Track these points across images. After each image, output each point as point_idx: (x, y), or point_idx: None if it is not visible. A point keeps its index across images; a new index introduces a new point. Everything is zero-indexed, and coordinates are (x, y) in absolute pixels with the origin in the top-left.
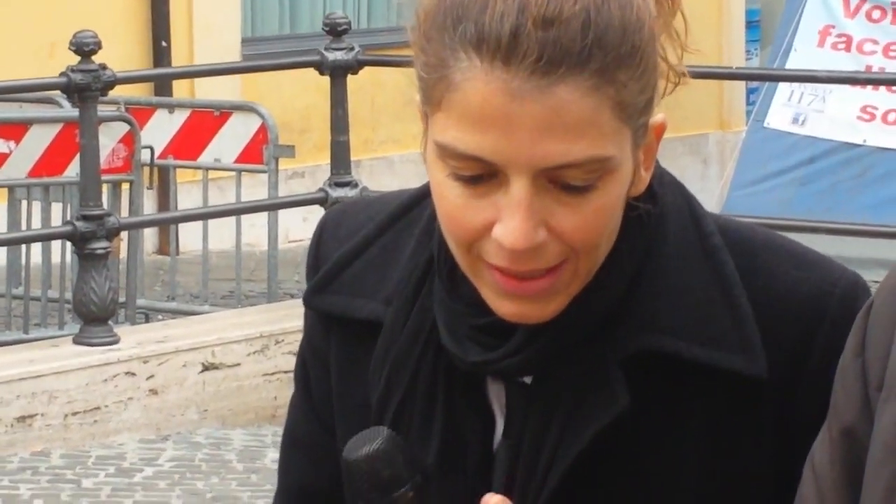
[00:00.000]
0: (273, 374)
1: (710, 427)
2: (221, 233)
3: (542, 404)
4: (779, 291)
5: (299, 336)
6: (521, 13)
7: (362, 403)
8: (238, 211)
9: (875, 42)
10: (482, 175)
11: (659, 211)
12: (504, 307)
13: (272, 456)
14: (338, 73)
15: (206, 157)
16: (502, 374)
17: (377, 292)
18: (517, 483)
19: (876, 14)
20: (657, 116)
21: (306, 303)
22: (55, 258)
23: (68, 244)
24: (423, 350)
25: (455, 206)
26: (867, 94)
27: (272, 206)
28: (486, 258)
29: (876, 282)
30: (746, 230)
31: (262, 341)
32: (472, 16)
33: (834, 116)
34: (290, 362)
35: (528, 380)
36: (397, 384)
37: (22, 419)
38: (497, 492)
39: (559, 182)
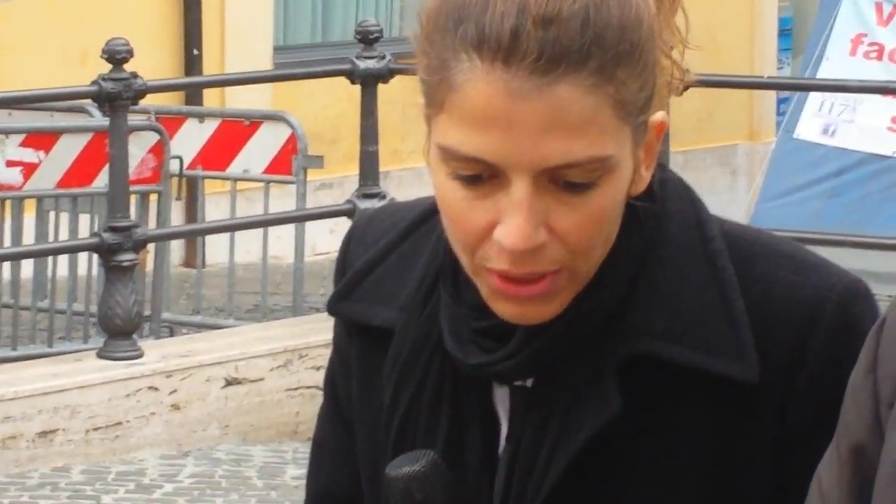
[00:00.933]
0: (296, 388)
1: (706, 430)
2: (248, 245)
3: (540, 408)
4: (775, 297)
5: (323, 351)
6: (521, 13)
7: (380, 408)
8: (265, 223)
9: None
10: (483, 175)
11: (659, 211)
12: (504, 309)
13: (292, 472)
14: (369, 82)
15: (234, 168)
16: (502, 378)
17: (394, 300)
18: (514, 486)
19: None
20: (657, 115)
21: (329, 310)
22: (81, 270)
23: (95, 256)
24: (430, 356)
25: (458, 209)
26: (893, 105)
27: (299, 218)
28: (488, 264)
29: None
30: (750, 236)
31: (286, 356)
32: (472, 17)
33: (864, 127)
34: (314, 377)
35: (529, 384)
36: (405, 389)
37: (43, 434)
38: (497, 495)
39: (560, 181)
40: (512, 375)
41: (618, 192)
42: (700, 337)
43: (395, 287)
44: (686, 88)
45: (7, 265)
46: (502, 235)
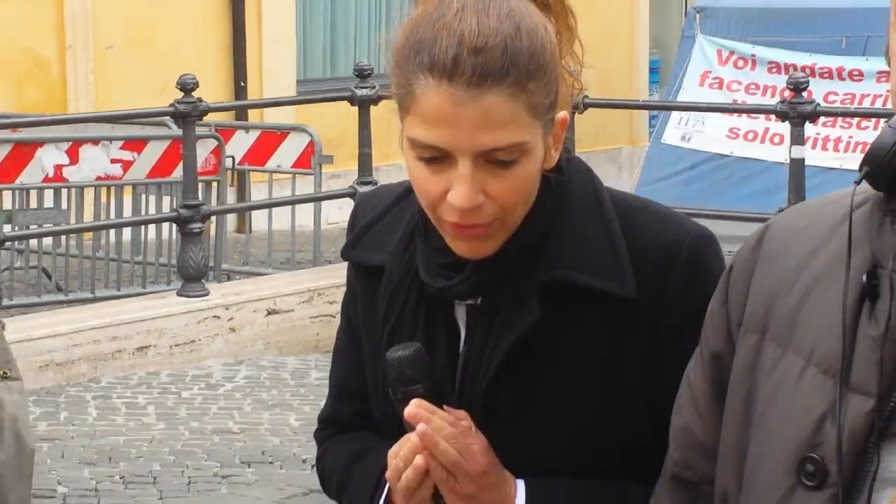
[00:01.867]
0: (316, 317)
1: (600, 336)
2: (281, 218)
3: (485, 318)
4: (647, 240)
5: (335, 290)
6: (459, 45)
7: (376, 323)
8: (293, 202)
9: (739, 83)
10: (438, 157)
11: (565, 181)
12: (459, 248)
13: (315, 375)
14: (364, 105)
15: (271, 164)
16: (459, 297)
17: (385, 248)
18: (469, 373)
19: (740, 63)
20: (561, 113)
21: (343, 255)
22: (165, 235)
23: (174, 225)
24: (410, 285)
25: (422, 181)
26: (733, 120)
27: (317, 199)
28: (444, 217)
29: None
30: (630, 199)
31: (309, 294)
32: (426, 49)
33: (710, 135)
34: (329, 308)
35: (479, 301)
36: (393, 308)
37: (140, 349)
38: (456, 382)
39: (491, 160)
40: (466, 295)
41: (534, 167)
42: (595, 268)
43: (387, 239)
44: (586, 108)
45: (113, 232)
46: (453, 198)
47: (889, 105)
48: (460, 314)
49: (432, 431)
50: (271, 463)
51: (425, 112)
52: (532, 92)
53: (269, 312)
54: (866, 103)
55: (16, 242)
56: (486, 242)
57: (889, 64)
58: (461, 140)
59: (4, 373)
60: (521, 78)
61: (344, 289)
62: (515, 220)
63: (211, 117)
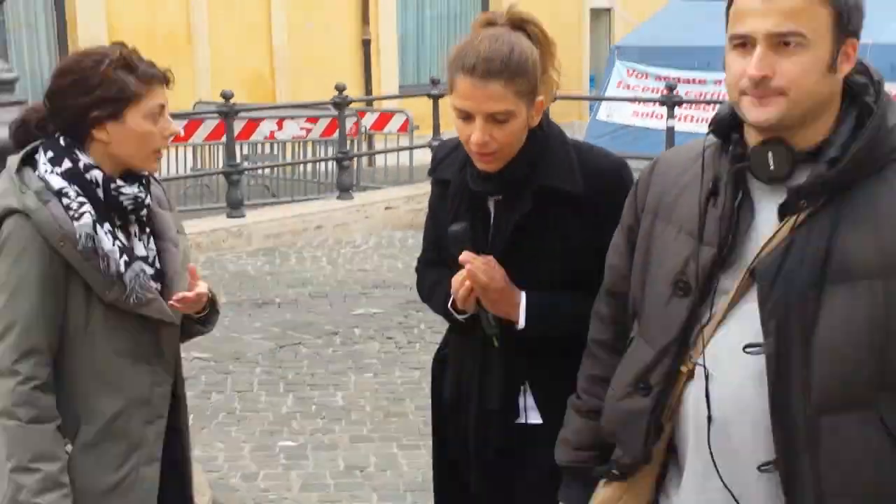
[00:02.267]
0: (411, 210)
1: (569, 220)
2: (392, 158)
3: (505, 207)
4: (591, 166)
5: (422, 196)
6: (478, 57)
7: (446, 213)
8: (398, 150)
9: (639, 87)
10: (466, 117)
11: (546, 133)
12: (480, 165)
13: (411, 241)
14: (436, 99)
15: (386, 129)
16: (489, 194)
17: (451, 169)
18: (496, 238)
19: (640, 76)
20: (539, 97)
21: (428, 174)
22: (329, 168)
23: (334, 162)
24: (463, 190)
25: (460, 129)
26: (635, 106)
27: (410, 149)
28: (471, 149)
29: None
30: (582, 144)
31: (407, 198)
32: (460, 59)
33: (623, 115)
34: (419, 206)
35: (501, 197)
36: (454, 203)
37: (317, 227)
38: (489, 242)
39: (493, 119)
40: (493, 193)
41: (519, 125)
42: (564, 179)
43: (451, 165)
44: (556, 99)
45: (301, 166)
46: (474, 139)
47: (723, 98)
48: (491, 205)
49: (474, 268)
50: (388, 286)
51: (459, 92)
52: (518, 84)
53: (387, 208)
54: (708, 97)
55: (250, 172)
56: (493, 163)
57: (726, 71)
58: (477, 108)
59: (178, 230)
60: (513, 76)
61: (427, 195)
62: (511, 152)
63: (353, 105)
